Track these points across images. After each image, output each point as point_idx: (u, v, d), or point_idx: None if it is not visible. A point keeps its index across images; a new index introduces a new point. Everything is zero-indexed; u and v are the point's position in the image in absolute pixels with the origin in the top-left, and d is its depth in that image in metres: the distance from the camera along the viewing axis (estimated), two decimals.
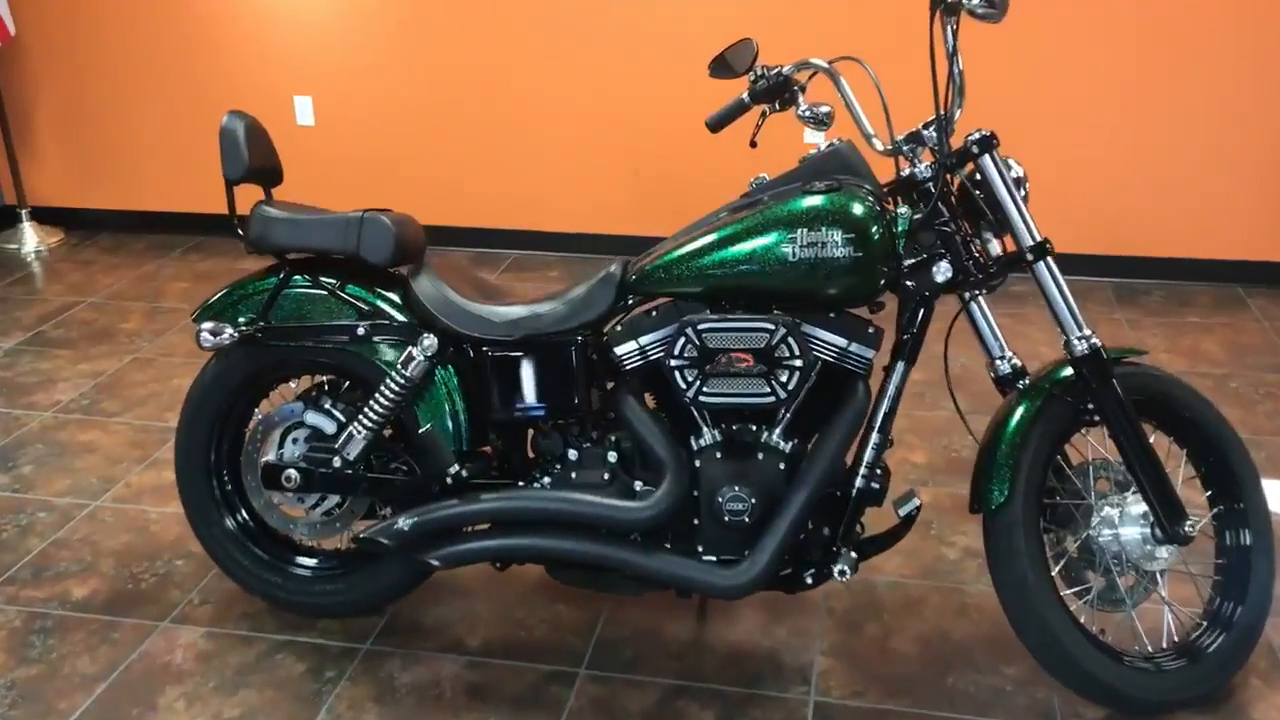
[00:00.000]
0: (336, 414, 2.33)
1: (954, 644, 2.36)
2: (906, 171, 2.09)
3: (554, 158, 4.64)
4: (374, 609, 2.47)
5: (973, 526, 2.73)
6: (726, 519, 2.11)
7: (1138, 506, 2.13)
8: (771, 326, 2.00)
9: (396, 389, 2.22)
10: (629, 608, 2.48)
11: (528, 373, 2.19)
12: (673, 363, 2.05)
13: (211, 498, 2.45)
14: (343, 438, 2.29)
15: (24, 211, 5.01)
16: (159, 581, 2.62)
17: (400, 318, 2.24)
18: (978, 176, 2.06)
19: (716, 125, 2.24)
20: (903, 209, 2.06)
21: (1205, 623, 2.21)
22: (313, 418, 2.33)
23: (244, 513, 2.48)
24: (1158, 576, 2.16)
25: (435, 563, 2.21)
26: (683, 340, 2.04)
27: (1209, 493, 2.23)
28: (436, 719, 2.18)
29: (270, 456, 2.35)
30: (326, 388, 2.40)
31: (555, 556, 2.20)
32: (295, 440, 2.35)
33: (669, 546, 2.18)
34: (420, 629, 2.44)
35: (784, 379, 2.02)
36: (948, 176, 2.05)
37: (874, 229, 1.98)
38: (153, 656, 2.37)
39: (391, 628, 2.44)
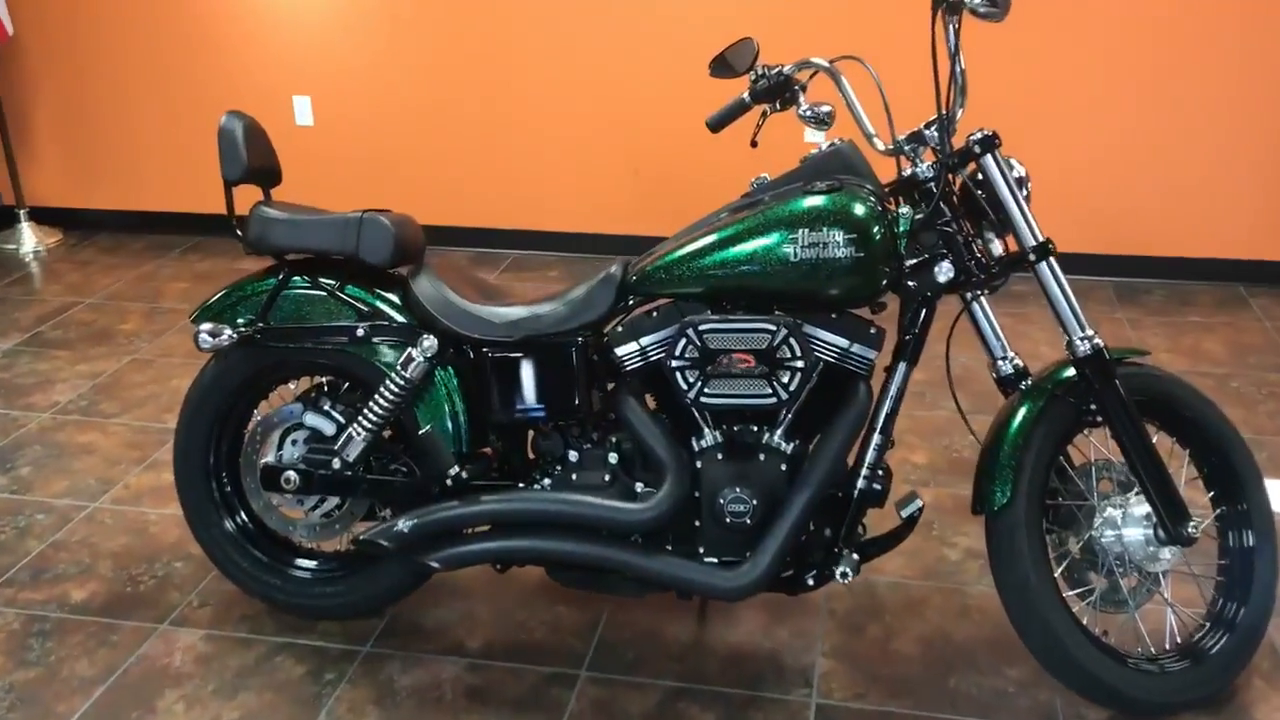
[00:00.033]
0: (336, 415, 2.32)
1: (956, 645, 2.35)
2: (908, 171, 2.08)
3: (554, 157, 4.63)
4: (374, 611, 2.46)
5: (974, 527, 2.72)
6: (728, 520, 2.10)
7: (1140, 507, 2.12)
8: (773, 327, 1.99)
9: (396, 390, 2.21)
10: (630, 609, 2.47)
11: (528, 374, 2.18)
12: (674, 364, 2.05)
13: (210, 499, 2.44)
14: (342, 439, 2.28)
15: (22, 212, 5.00)
16: (158, 584, 2.61)
17: (400, 319, 2.23)
18: (979, 176, 2.05)
19: (717, 125, 2.23)
20: (904, 209, 2.05)
21: (1208, 624, 2.21)
22: (312, 419, 2.32)
23: (243, 514, 2.47)
24: (1160, 578, 2.16)
25: (435, 565, 2.21)
26: (684, 341, 2.03)
27: (1212, 493, 2.22)
28: None
29: (269, 458, 2.34)
30: (326, 389, 2.39)
31: (556, 558, 2.20)
32: (294, 442, 2.34)
33: (670, 548, 2.17)
34: (420, 631, 2.43)
35: (785, 380, 2.01)
36: (949, 176, 2.05)
37: (876, 229, 1.97)
38: (152, 659, 2.36)
39: (391, 630, 2.43)
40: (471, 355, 2.21)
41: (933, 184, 2.04)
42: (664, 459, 2.10)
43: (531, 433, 2.29)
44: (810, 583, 2.17)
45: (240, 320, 2.28)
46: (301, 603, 2.45)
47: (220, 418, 2.40)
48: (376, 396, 2.23)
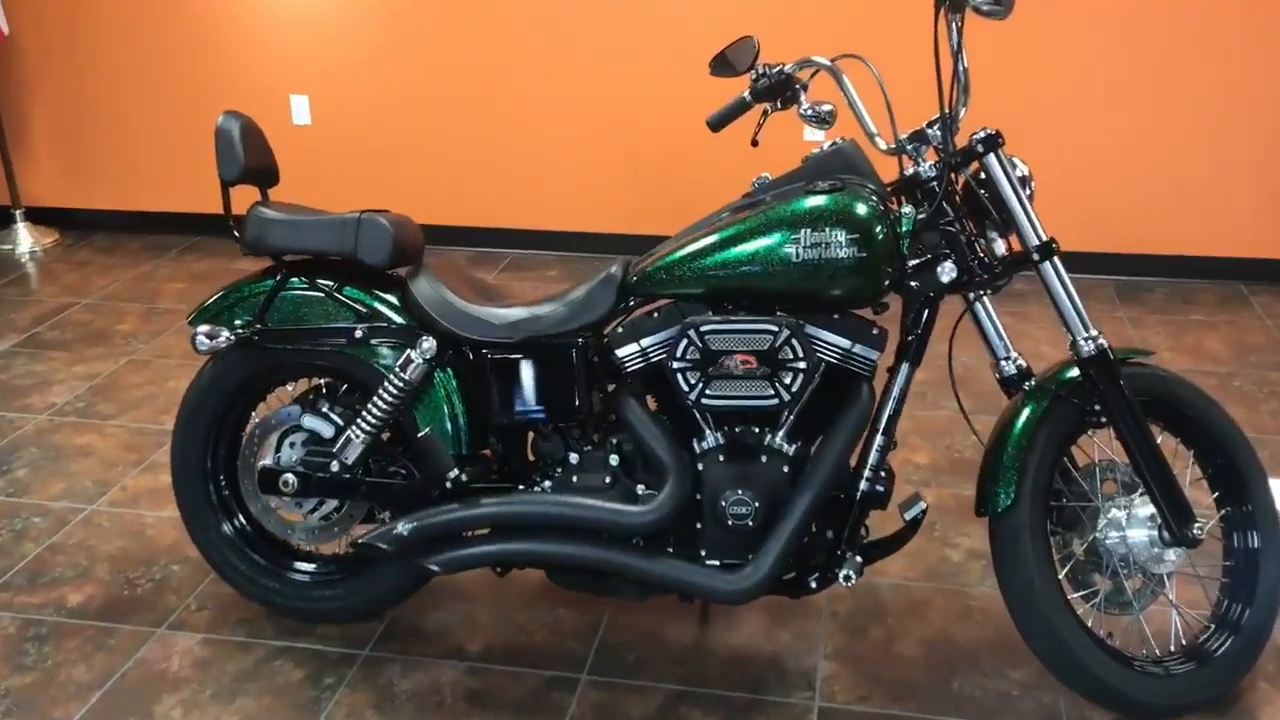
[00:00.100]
0: (334, 417, 2.30)
1: (959, 648, 2.34)
2: (910, 171, 2.07)
3: (553, 156, 4.62)
4: (373, 614, 2.45)
5: (976, 528, 2.71)
6: (730, 523, 2.09)
7: (1145, 508, 2.11)
8: (775, 328, 1.98)
9: (395, 392, 2.19)
10: (631, 612, 2.45)
11: (528, 375, 2.17)
12: (675, 365, 2.03)
13: (208, 502, 2.43)
14: (341, 441, 2.26)
15: (18, 212, 4.98)
16: (155, 587, 2.59)
17: (398, 320, 2.22)
18: (982, 175, 2.04)
19: (717, 124, 2.22)
20: (907, 209, 2.03)
21: (1213, 626, 2.19)
22: (310, 421, 2.30)
23: (241, 517, 2.45)
24: (1165, 579, 2.14)
25: (435, 568, 2.19)
26: (685, 342, 2.02)
27: (1216, 494, 2.21)
28: None
29: (267, 460, 2.33)
30: (324, 391, 2.37)
31: (556, 561, 2.18)
32: (293, 444, 2.32)
33: (671, 551, 2.15)
34: (420, 634, 2.41)
35: (787, 381, 2.00)
36: (952, 175, 2.03)
37: (878, 229, 1.96)
38: (149, 663, 2.34)
39: (391, 633, 2.42)
40: (471, 357, 2.20)
41: (935, 183, 2.03)
42: (665, 461, 2.09)
43: (531, 435, 2.28)
44: (813, 585, 2.15)
45: (238, 322, 2.26)
46: (300, 606, 2.43)
47: (218, 420, 2.39)
48: (375, 398, 2.21)
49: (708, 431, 2.12)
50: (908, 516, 2.15)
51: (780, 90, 2.14)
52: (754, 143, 2.22)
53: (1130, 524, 2.11)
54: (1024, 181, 2.04)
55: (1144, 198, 4.23)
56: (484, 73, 4.54)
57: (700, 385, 2.03)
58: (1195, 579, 2.28)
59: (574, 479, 2.20)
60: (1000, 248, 2.07)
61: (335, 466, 2.27)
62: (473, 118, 4.61)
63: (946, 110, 2.00)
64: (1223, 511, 2.20)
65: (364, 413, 2.23)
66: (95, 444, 3.25)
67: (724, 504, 2.08)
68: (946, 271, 2.03)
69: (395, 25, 4.54)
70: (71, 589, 2.59)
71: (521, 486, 2.24)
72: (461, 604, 2.50)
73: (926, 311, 2.09)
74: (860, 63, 2.09)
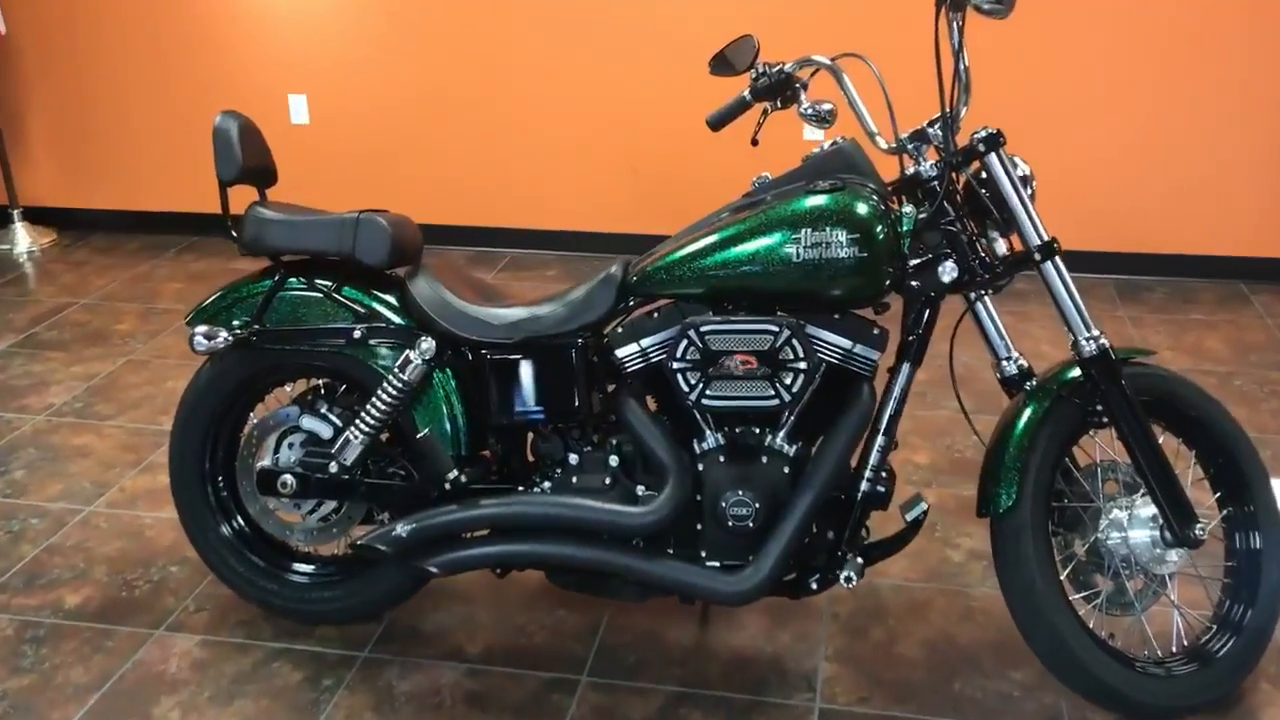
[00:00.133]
0: (333, 418, 2.29)
1: (960, 649, 2.33)
2: (911, 170, 2.06)
3: (552, 156, 4.61)
4: (372, 616, 2.44)
5: (977, 528, 2.70)
6: (730, 524, 2.08)
7: (1147, 509, 2.10)
8: (775, 328, 1.97)
9: (394, 393, 2.18)
10: (631, 614, 2.44)
11: (527, 376, 2.16)
12: (675, 365, 2.02)
13: (206, 503, 2.42)
14: (339, 442, 2.25)
15: (16, 212, 4.97)
16: (153, 588, 2.58)
17: (397, 320, 2.21)
18: (983, 175, 2.03)
19: (717, 123, 2.21)
20: (908, 208, 2.03)
21: (1215, 626, 2.19)
22: (309, 422, 2.29)
23: (240, 519, 2.44)
24: (1167, 580, 2.14)
25: (434, 569, 2.18)
26: (685, 342, 2.01)
27: (1218, 494, 2.20)
28: None
29: (266, 461, 2.32)
30: (323, 391, 2.36)
31: (556, 562, 2.17)
32: (291, 445, 2.31)
33: (671, 552, 2.15)
34: (419, 636, 2.40)
35: (788, 381, 1.99)
36: (953, 175, 2.02)
37: (879, 229, 1.95)
38: (147, 665, 2.33)
39: (390, 635, 2.41)
40: (470, 357, 2.19)
41: (936, 183, 2.02)
42: (665, 462, 2.08)
43: (531, 435, 2.27)
44: (814, 586, 2.14)
45: (236, 322, 2.25)
46: (298, 607, 2.42)
47: (216, 421, 2.38)
48: (374, 399, 2.20)
49: (708, 432, 2.11)
50: (909, 518, 2.14)
51: (780, 89, 2.13)
52: (754, 142, 2.21)
53: (1132, 524, 2.10)
54: (1025, 181, 2.03)
55: (1144, 197, 4.22)
56: (483, 71, 4.53)
57: (700, 386, 2.02)
58: (1197, 580, 2.28)
59: (574, 480, 2.19)
60: (1001, 247, 2.07)
61: (334, 467, 2.26)
62: (472, 117, 4.60)
63: (947, 109, 1.99)
64: (1224, 512, 2.19)
65: (363, 413, 2.22)
66: (93, 445, 3.24)
67: (724, 505, 2.08)
68: (948, 271, 2.02)
69: (393, 24, 4.53)
70: (69, 590, 2.58)
71: (521, 487, 2.23)
72: (461, 605, 2.50)
73: (927, 311, 2.08)
74: (861, 62, 2.09)
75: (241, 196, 2.22)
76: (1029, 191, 2.03)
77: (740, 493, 2.07)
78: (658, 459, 2.09)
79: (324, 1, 4.55)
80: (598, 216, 4.64)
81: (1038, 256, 2.00)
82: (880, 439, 2.10)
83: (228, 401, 2.36)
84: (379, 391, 2.19)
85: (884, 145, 2.08)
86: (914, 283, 2.04)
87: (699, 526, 2.13)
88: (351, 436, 2.24)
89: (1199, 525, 2.05)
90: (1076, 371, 2.06)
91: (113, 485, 3.02)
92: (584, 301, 2.14)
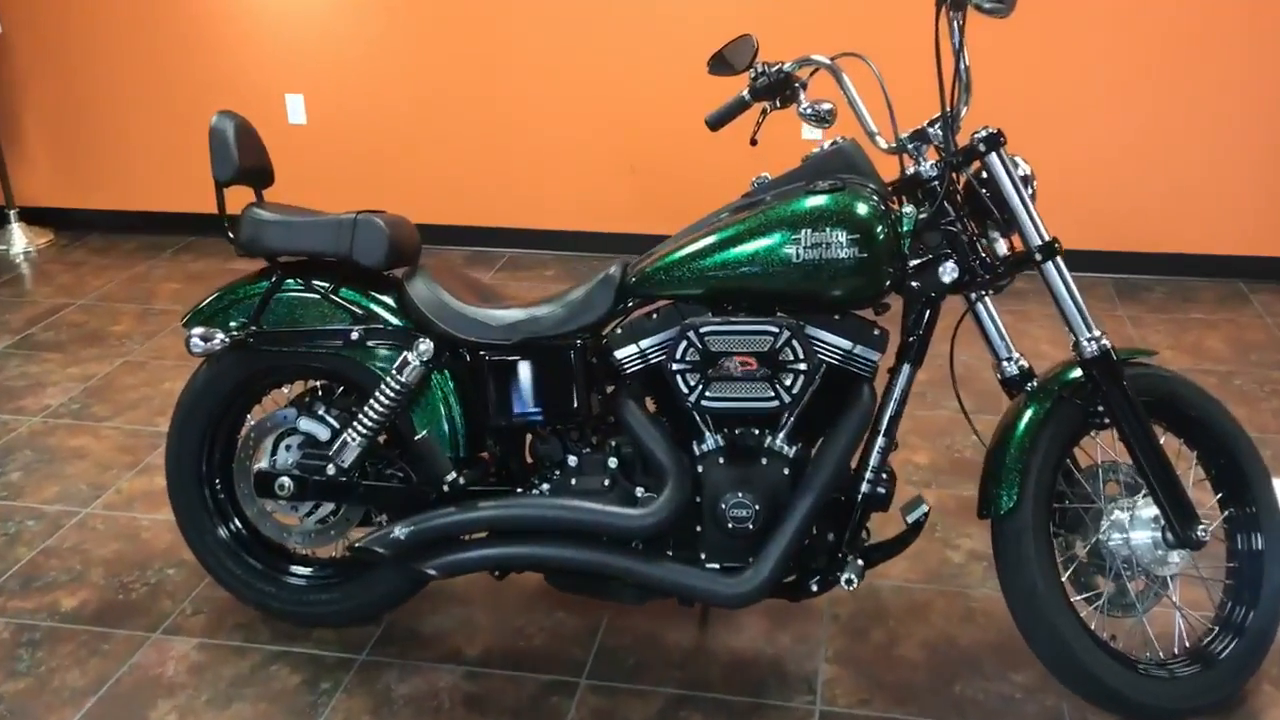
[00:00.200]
0: (330, 420, 2.28)
1: (961, 650, 2.32)
2: (911, 170, 2.05)
3: (551, 155, 4.59)
4: (370, 618, 2.43)
5: (977, 529, 2.69)
6: (730, 526, 2.07)
7: (1148, 510, 2.09)
8: (775, 329, 1.96)
9: (391, 394, 2.17)
10: (630, 616, 2.43)
11: (526, 377, 2.15)
12: (674, 366, 2.01)
13: (203, 506, 2.41)
14: (337, 444, 2.24)
15: (12, 212, 4.96)
16: (150, 591, 2.57)
17: (395, 322, 2.20)
18: (984, 175, 2.02)
19: (716, 123, 2.20)
20: (908, 208, 2.02)
21: (1217, 628, 2.18)
22: (306, 424, 2.28)
23: (237, 521, 2.43)
24: (1169, 581, 2.13)
25: (432, 572, 2.17)
26: (684, 344, 2.00)
27: (1220, 495, 2.19)
28: None
29: (263, 464, 2.30)
30: (320, 393, 2.35)
31: (555, 564, 2.16)
32: (288, 447, 2.30)
33: (671, 554, 2.14)
34: (418, 639, 2.39)
35: (788, 383, 1.98)
36: (953, 175, 2.01)
37: (879, 229, 1.94)
38: (144, 669, 2.32)
39: (388, 638, 2.40)
40: (468, 358, 2.18)
41: (936, 183, 2.01)
42: (664, 463, 2.07)
43: (530, 437, 2.26)
44: (814, 588, 2.13)
45: (232, 324, 2.24)
46: (296, 610, 2.41)
47: (213, 423, 2.37)
48: (372, 401, 2.19)
49: (707, 434, 2.10)
50: (910, 519, 2.14)
51: (779, 89, 2.12)
52: (753, 142, 2.20)
53: (1133, 526, 2.09)
54: (1026, 181, 2.02)
55: (1144, 196, 4.22)
56: (481, 71, 4.52)
57: (700, 387, 2.01)
58: (1199, 581, 2.27)
59: (572, 482, 2.19)
60: (1002, 247, 2.06)
61: (331, 469, 2.25)
62: (469, 116, 4.59)
63: (948, 109, 1.98)
64: (1226, 513, 2.18)
65: (361, 415, 2.21)
66: (90, 446, 3.23)
67: (724, 507, 2.07)
68: (948, 271, 2.01)
69: (391, 24, 4.52)
70: (65, 593, 2.57)
71: (519, 489, 2.22)
72: (459, 608, 2.49)
73: (928, 312, 2.07)
74: (860, 61, 2.08)
75: (238, 197, 2.21)
76: (1029, 191, 2.02)
77: (740, 494, 2.06)
78: (657, 461, 2.08)
79: (322, 1, 4.54)
80: (596, 216, 4.63)
81: (1039, 257, 1.99)
82: (880, 440, 2.09)
83: (225, 403, 2.35)
84: (377, 393, 2.18)
85: (884, 145, 2.07)
86: (914, 283, 2.03)
87: (698, 528, 2.12)
88: (349, 438, 2.23)
89: (1201, 526, 2.04)
90: (1078, 372, 2.06)
91: (109, 487, 3.01)
92: (583, 302, 2.13)
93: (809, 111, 2.08)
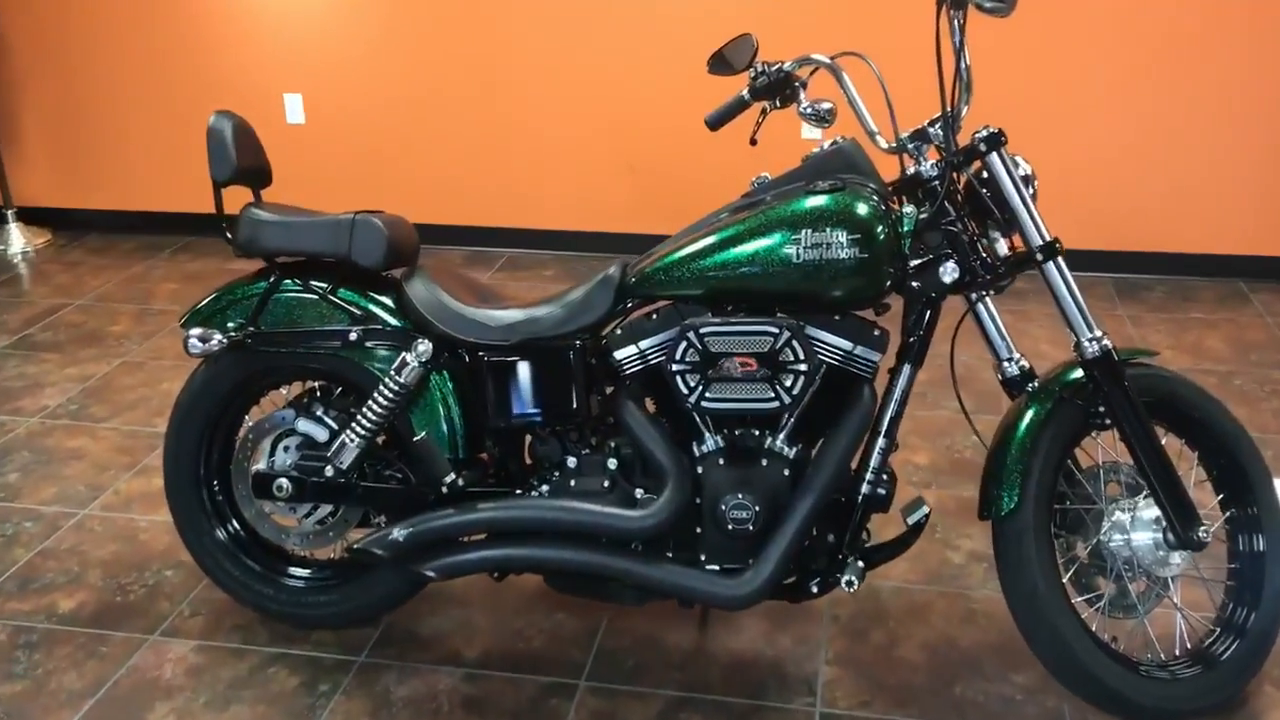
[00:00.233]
0: (329, 421, 2.27)
1: (961, 651, 2.31)
2: (912, 170, 2.04)
3: (550, 155, 4.59)
4: (369, 620, 2.42)
5: (978, 529, 2.68)
6: (730, 527, 2.06)
7: (1149, 511, 2.08)
8: (775, 330, 1.95)
9: (390, 395, 2.16)
10: (630, 617, 2.43)
11: (525, 378, 2.14)
12: (674, 367, 2.00)
13: (201, 508, 2.40)
14: (335, 446, 2.23)
15: (10, 212, 4.95)
16: (148, 593, 2.56)
17: (394, 322, 2.19)
18: (985, 174, 2.01)
19: (716, 123, 2.19)
20: (908, 208, 2.01)
21: (1218, 629, 2.17)
22: (304, 425, 2.27)
23: (235, 523, 2.42)
24: (1170, 582, 2.12)
25: (431, 574, 2.17)
26: (684, 344, 1.99)
27: (1221, 496, 2.19)
28: None
29: (261, 465, 2.30)
30: (318, 394, 2.34)
31: (554, 566, 2.16)
32: (286, 448, 2.29)
33: (671, 555, 2.13)
34: (416, 640, 2.39)
35: (788, 383, 1.98)
36: (954, 175, 2.01)
37: (879, 229, 1.93)
38: (142, 671, 2.31)
39: (387, 639, 2.39)
40: (467, 359, 2.17)
41: (937, 182, 2.00)
42: (664, 464, 2.06)
43: (529, 438, 2.25)
44: (814, 590, 2.13)
45: (230, 324, 2.24)
46: (295, 612, 2.40)
47: (211, 424, 2.36)
48: (370, 402, 2.18)
49: (707, 434, 2.10)
50: (910, 521, 2.13)
51: (779, 88, 2.12)
52: (753, 141, 2.19)
53: (1135, 527, 2.08)
54: (1027, 180, 2.01)
55: (1144, 196, 4.21)
56: (479, 70, 4.51)
57: (700, 388, 2.00)
58: (1200, 582, 2.26)
59: (572, 483, 2.18)
60: (1003, 247, 2.05)
61: (330, 471, 2.24)
62: (468, 116, 4.58)
63: (948, 108, 1.97)
64: (1227, 514, 2.18)
65: (359, 416, 2.20)
66: (88, 447, 3.22)
67: (724, 508, 2.06)
68: (949, 272, 2.00)
69: (389, 23, 4.51)
70: (63, 595, 2.56)
71: (519, 491, 2.21)
72: (458, 609, 2.48)
73: (928, 312, 2.07)
74: (860, 60, 2.07)
75: (237, 197, 2.20)
76: (1030, 191, 2.01)
77: (740, 495, 2.05)
78: (656, 462, 2.07)
79: (320, 1, 4.53)
80: (595, 216, 4.62)
81: (1039, 257, 1.98)
82: (881, 441, 2.09)
83: (223, 404, 2.34)
84: (375, 394, 2.18)
85: (884, 145, 2.07)
86: (915, 283, 2.02)
87: (698, 530, 2.11)
88: (348, 439, 2.22)
89: (1202, 527, 2.03)
90: (1079, 373, 2.05)
91: (107, 488, 3.00)
92: (582, 303, 2.12)
93: (809, 111, 2.08)
